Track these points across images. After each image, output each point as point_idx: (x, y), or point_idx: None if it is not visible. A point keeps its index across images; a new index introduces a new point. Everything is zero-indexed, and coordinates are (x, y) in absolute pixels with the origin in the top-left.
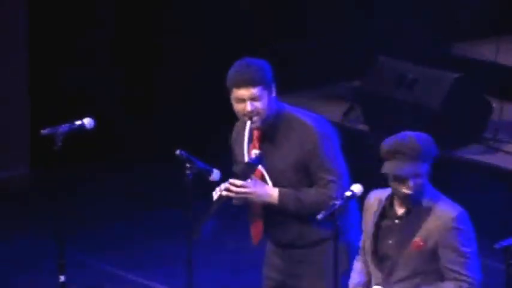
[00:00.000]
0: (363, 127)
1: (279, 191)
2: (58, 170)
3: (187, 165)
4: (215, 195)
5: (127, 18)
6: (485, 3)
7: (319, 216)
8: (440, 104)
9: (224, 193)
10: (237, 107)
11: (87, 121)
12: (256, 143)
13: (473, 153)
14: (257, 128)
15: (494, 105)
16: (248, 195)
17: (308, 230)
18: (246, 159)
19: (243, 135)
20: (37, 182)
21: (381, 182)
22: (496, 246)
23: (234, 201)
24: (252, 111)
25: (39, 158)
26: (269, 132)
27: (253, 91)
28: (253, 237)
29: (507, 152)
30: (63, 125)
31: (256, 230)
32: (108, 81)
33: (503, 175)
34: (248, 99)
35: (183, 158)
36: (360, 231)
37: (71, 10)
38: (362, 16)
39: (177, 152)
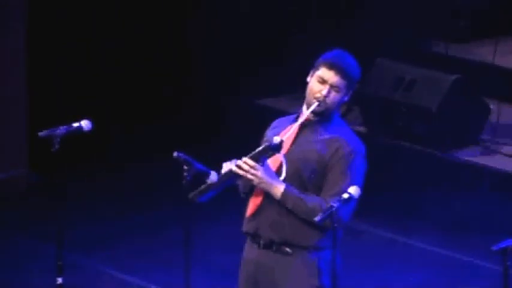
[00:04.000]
0: (361, 129)
1: (285, 188)
2: (56, 172)
3: (185, 167)
4: (224, 168)
5: (126, 19)
6: (484, 5)
7: (317, 218)
8: (438, 105)
9: (234, 168)
10: (315, 86)
11: (85, 123)
12: (296, 128)
13: (471, 155)
14: (313, 113)
15: (492, 106)
16: (254, 179)
17: (285, 228)
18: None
19: (285, 126)
20: (35, 184)
21: (379, 183)
22: (494, 248)
23: (240, 183)
24: (325, 97)
25: (37, 159)
26: (313, 126)
27: (339, 81)
28: (249, 209)
29: (505, 154)
30: (60, 127)
31: (254, 204)
32: (106, 82)
33: (501, 177)
34: (329, 84)
35: (180, 160)
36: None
37: (71, 12)
38: (360, 18)
39: (175, 154)
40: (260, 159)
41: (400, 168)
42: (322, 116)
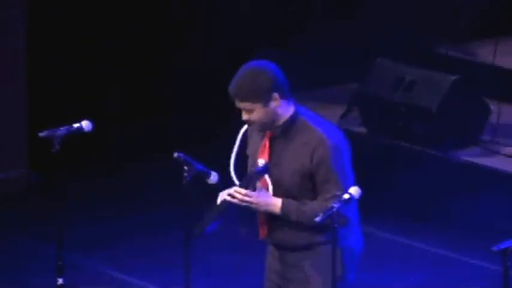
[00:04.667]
0: (361, 129)
1: (282, 203)
2: (56, 172)
3: (185, 167)
4: (219, 199)
5: (124, 20)
6: (484, 5)
7: (318, 219)
8: (438, 106)
9: (228, 198)
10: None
11: (85, 124)
12: (266, 142)
13: (471, 156)
14: (269, 130)
15: (492, 107)
16: (251, 205)
17: (301, 232)
18: (232, 162)
19: (256, 135)
20: (35, 184)
21: (379, 184)
22: (494, 248)
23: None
24: (246, 120)
25: (37, 159)
26: (281, 135)
27: (242, 105)
28: (260, 233)
29: (505, 155)
30: (61, 128)
31: (263, 231)
32: (106, 82)
33: (501, 177)
34: (242, 109)
35: (181, 161)
36: (359, 236)
37: (71, 12)
38: (360, 18)
39: (175, 154)
40: (250, 184)
41: (400, 168)
42: (277, 127)
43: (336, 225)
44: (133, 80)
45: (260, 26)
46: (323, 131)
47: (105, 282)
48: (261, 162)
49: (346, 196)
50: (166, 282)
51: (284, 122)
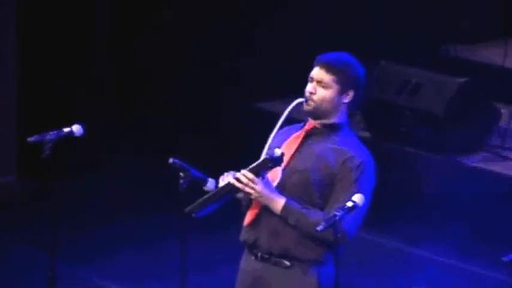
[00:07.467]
0: (364, 134)
1: (285, 202)
2: (49, 178)
3: (181, 174)
4: (222, 181)
5: (119, 21)
6: (493, 6)
7: (319, 228)
8: (444, 109)
9: (232, 181)
10: (307, 86)
11: (76, 128)
12: (301, 134)
13: (480, 161)
14: (313, 118)
15: (502, 111)
16: (253, 193)
17: (296, 242)
18: (270, 141)
19: (290, 135)
20: (25, 190)
21: (383, 190)
22: (505, 259)
23: (239, 195)
24: (310, 93)
25: (27, 165)
26: (319, 134)
27: (323, 77)
28: (247, 218)
29: None
30: (50, 132)
31: (252, 213)
32: (98, 86)
33: (510, 183)
34: (316, 81)
35: (176, 167)
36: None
37: (61, 15)
38: (364, 19)
39: (171, 160)
40: (260, 172)
41: (405, 174)
42: (323, 124)
43: (338, 235)
44: (132, 81)
45: (258, 26)
46: (360, 150)
47: None
48: (277, 151)
49: (349, 204)
50: None
51: (331, 124)
